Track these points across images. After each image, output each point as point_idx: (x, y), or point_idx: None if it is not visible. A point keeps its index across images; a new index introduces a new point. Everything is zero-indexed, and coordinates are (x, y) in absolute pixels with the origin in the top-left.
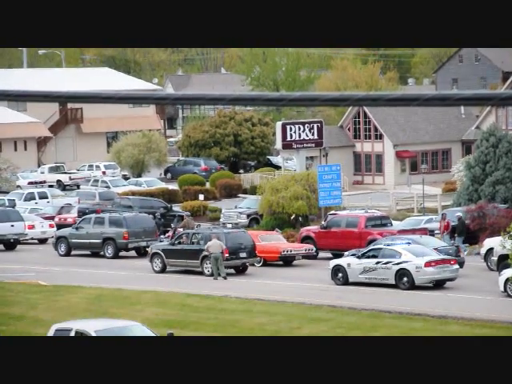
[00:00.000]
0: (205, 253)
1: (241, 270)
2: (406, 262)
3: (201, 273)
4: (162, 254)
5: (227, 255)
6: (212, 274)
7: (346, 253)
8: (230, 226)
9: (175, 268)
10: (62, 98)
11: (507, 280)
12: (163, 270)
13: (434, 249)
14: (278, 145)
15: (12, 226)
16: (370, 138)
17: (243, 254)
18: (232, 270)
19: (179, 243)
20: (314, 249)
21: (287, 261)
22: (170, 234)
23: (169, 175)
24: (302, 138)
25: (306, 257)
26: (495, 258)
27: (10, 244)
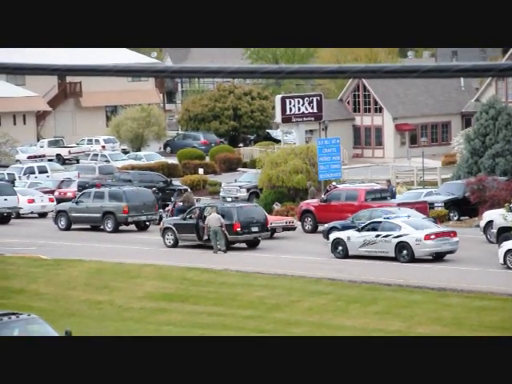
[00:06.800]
0: (206, 230)
1: (253, 244)
2: (406, 234)
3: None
4: (174, 228)
5: (239, 229)
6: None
7: (326, 225)
8: (229, 199)
9: (187, 243)
10: (61, 71)
11: (507, 252)
12: (175, 245)
13: None
14: (278, 118)
15: (5, 200)
16: (369, 111)
17: (255, 229)
18: (244, 245)
19: (190, 218)
20: (294, 221)
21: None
22: (170, 208)
23: (168, 149)
24: (301, 112)
25: (287, 229)
26: (495, 231)
27: (4, 218)
